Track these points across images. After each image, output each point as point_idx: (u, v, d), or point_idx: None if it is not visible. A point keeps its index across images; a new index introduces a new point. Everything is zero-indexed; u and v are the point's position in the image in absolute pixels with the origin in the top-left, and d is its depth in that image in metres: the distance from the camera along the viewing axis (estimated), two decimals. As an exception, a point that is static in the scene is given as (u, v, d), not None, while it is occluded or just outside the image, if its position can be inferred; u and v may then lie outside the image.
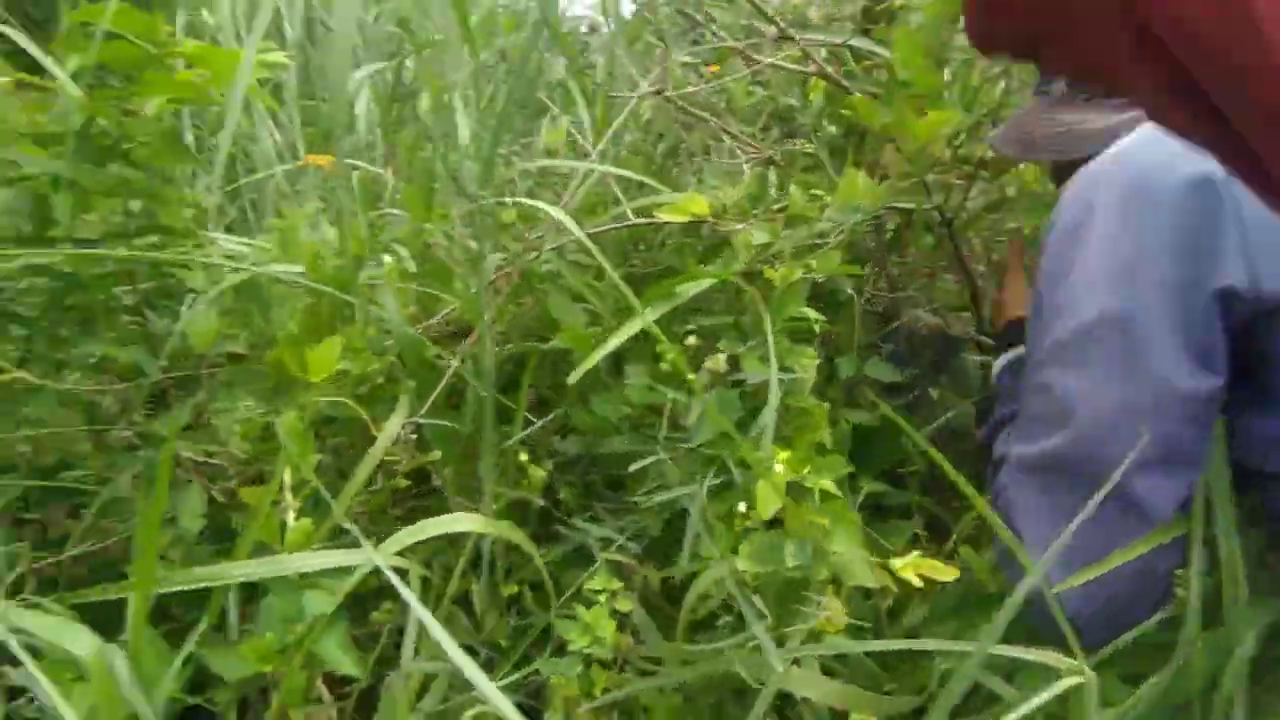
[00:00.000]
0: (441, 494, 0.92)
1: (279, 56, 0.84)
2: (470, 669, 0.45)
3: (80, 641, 0.58)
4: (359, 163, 1.04)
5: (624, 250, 0.92)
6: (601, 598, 0.70)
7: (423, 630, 0.81)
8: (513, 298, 0.86)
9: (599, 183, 0.91)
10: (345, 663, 0.62)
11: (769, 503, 0.59)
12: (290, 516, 0.68)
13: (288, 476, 0.68)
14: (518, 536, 0.64)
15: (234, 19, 1.17)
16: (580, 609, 0.67)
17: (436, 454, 0.80)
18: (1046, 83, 0.78)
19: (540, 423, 0.77)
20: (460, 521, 0.63)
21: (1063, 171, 0.75)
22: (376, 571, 0.76)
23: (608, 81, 0.85)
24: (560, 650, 0.70)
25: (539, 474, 0.73)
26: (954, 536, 0.93)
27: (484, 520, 0.63)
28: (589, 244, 0.67)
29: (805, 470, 0.61)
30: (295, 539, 0.65)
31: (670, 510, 0.80)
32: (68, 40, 0.72)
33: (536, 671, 0.77)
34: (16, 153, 0.75)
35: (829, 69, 0.80)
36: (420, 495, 1.02)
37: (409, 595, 0.50)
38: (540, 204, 0.74)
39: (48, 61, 0.79)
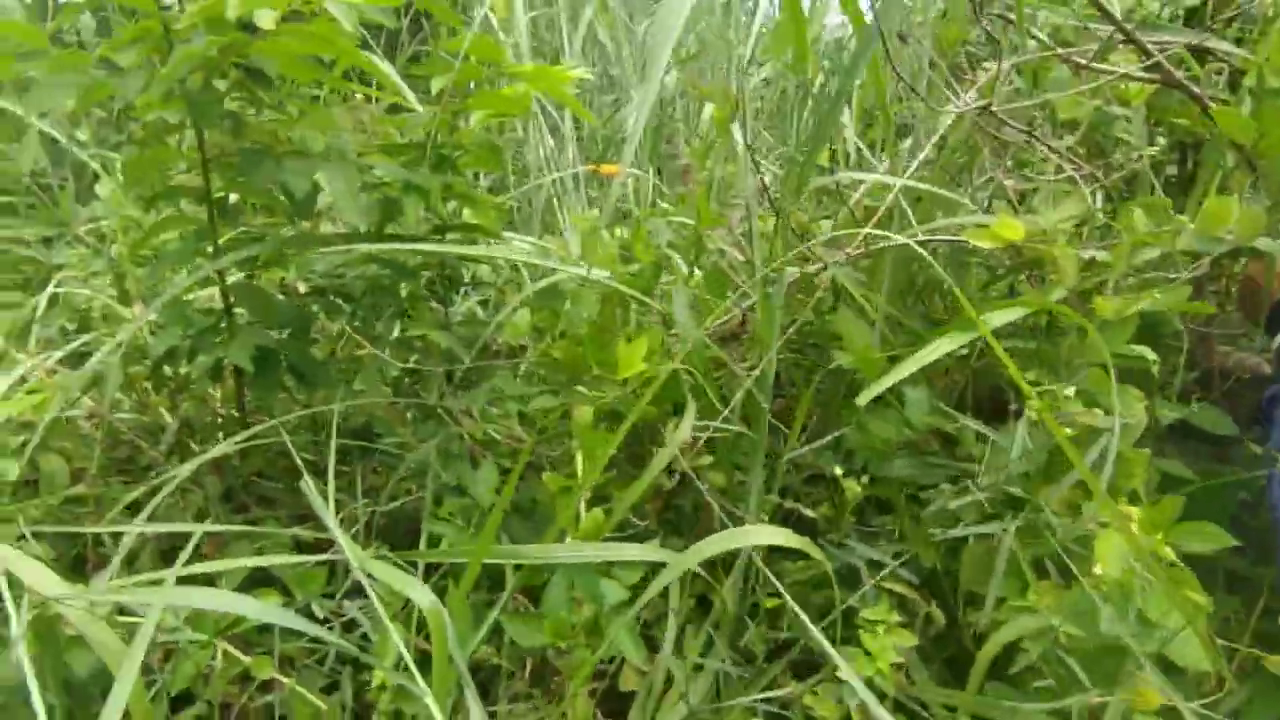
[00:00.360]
0: (698, 494, 0.94)
1: (585, 73, 0.90)
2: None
3: (420, 594, 0.66)
4: (633, 170, 1.10)
5: (900, 268, 0.89)
6: (879, 629, 0.68)
7: (683, 629, 0.84)
8: (789, 311, 0.86)
9: (876, 199, 0.88)
10: (633, 651, 0.66)
11: (1113, 560, 0.54)
12: (582, 506, 0.73)
13: (581, 466, 0.74)
14: (816, 552, 0.64)
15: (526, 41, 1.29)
16: (865, 636, 0.66)
17: (708, 458, 0.82)
18: None
19: (822, 441, 0.77)
20: (769, 534, 0.64)
21: None
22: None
23: (901, 92, 0.82)
24: (833, 675, 0.69)
25: (854, 488, 0.72)
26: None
27: (790, 534, 0.63)
28: (924, 254, 0.65)
29: (1160, 534, 0.55)
30: (588, 528, 0.70)
31: (947, 544, 0.76)
32: (432, 65, 0.82)
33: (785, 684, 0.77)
34: (376, 161, 0.87)
35: (1178, 75, 0.71)
36: (671, 492, 1.06)
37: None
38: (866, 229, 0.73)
39: (401, 83, 0.91)
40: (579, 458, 0.69)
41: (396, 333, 1.20)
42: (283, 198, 0.88)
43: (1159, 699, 0.61)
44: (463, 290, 1.43)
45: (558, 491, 0.68)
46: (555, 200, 1.33)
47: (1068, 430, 0.58)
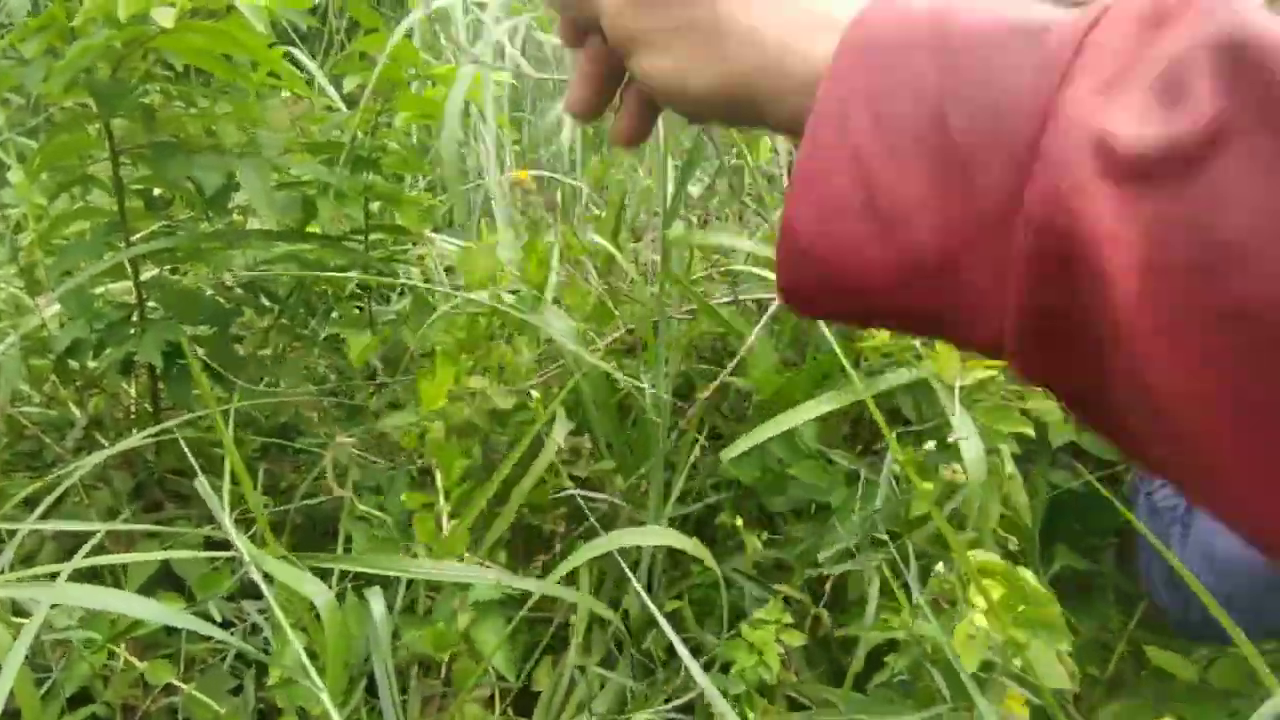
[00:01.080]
0: (609, 504, 0.95)
1: (504, 75, 0.91)
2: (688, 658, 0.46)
3: (317, 592, 0.66)
4: (560, 176, 1.11)
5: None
6: (771, 628, 0.69)
7: (589, 637, 0.85)
8: (694, 328, 0.87)
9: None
10: (506, 666, 0.66)
11: (972, 656, 0.56)
12: (445, 520, 0.73)
13: (440, 482, 0.74)
14: (704, 554, 0.66)
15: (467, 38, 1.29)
16: (747, 629, 0.67)
17: (610, 464, 0.83)
18: None
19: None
20: (654, 536, 0.65)
21: None
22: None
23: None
24: (725, 669, 0.71)
25: (755, 543, 0.74)
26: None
27: (674, 534, 0.64)
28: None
29: (1012, 615, 0.57)
30: (450, 546, 0.70)
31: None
32: (348, 64, 0.83)
33: (693, 686, 0.78)
34: (295, 161, 0.87)
35: None
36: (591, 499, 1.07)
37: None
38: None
39: (325, 82, 0.91)
40: (437, 475, 0.70)
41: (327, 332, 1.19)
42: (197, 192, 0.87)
43: (1025, 709, 0.64)
44: (399, 290, 1.42)
45: (417, 509, 0.69)
46: (493, 202, 1.33)
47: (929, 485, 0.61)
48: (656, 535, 0.65)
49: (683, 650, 0.48)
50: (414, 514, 0.68)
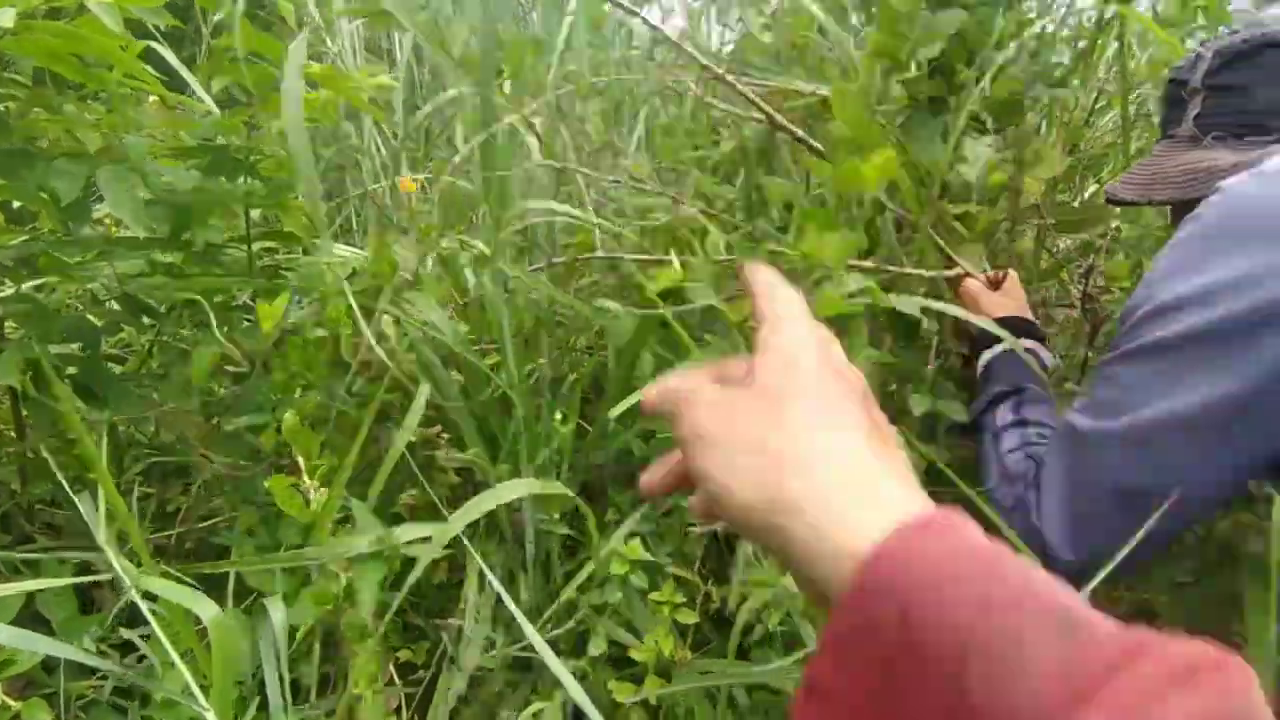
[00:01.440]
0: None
1: (387, 80, 0.91)
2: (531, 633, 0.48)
3: (205, 608, 0.64)
4: (452, 179, 1.11)
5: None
6: (665, 609, 0.72)
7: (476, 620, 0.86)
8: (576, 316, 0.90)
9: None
10: (371, 597, 0.65)
11: None
12: (313, 496, 0.73)
13: (303, 463, 0.74)
14: (565, 491, 0.68)
15: (352, 44, 1.27)
16: (615, 543, 0.70)
17: (478, 449, 0.84)
18: (1173, 125, 0.77)
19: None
20: (522, 487, 0.66)
21: (1186, 212, 0.73)
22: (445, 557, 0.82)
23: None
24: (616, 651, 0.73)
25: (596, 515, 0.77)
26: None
27: (534, 482, 0.66)
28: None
29: None
30: (318, 514, 0.70)
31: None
32: (213, 64, 0.81)
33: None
34: (161, 166, 0.84)
35: (777, 115, 0.76)
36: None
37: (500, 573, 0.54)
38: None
39: (194, 83, 0.89)
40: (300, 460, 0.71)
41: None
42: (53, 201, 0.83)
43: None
44: (296, 300, 1.39)
45: (282, 491, 0.69)
46: (389, 206, 1.32)
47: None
48: (525, 486, 0.67)
49: (515, 610, 0.50)
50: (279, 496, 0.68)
